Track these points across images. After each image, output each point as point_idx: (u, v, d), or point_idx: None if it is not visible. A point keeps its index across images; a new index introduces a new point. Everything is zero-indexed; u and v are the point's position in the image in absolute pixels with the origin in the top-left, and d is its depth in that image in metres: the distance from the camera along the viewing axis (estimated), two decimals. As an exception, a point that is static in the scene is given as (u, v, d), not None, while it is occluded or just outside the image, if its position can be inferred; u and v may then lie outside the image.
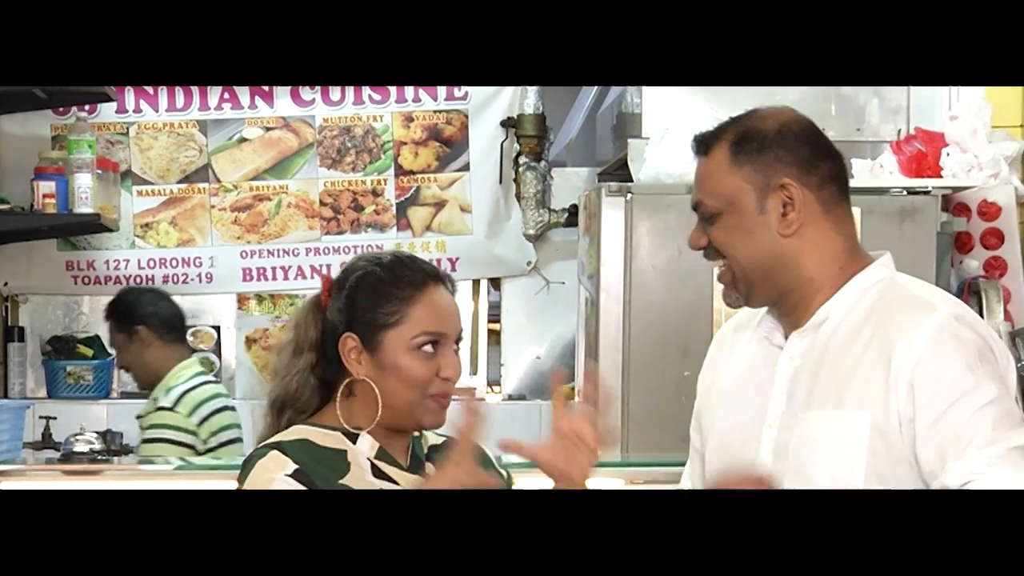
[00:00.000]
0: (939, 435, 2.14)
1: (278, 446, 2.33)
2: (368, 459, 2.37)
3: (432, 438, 2.49)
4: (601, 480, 3.44)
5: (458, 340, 2.40)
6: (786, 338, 2.36)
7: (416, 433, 2.45)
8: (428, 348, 2.35)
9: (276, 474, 2.28)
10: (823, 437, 2.24)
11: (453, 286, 2.43)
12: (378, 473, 2.36)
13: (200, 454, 4.53)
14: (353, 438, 2.37)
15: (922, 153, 4.54)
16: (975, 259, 4.56)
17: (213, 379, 4.97)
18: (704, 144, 2.39)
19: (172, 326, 4.79)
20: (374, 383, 2.34)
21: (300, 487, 2.27)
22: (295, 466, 2.29)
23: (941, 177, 4.48)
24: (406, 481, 2.37)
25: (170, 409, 4.56)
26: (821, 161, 2.33)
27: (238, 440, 4.68)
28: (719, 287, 4.37)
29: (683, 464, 2.63)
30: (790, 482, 2.26)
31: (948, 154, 4.53)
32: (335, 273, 2.46)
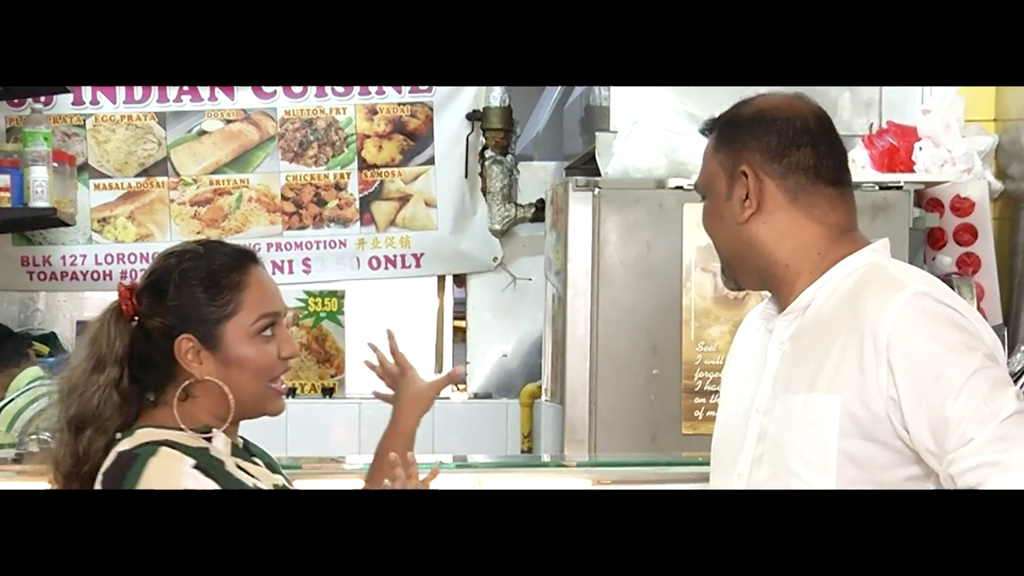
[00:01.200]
0: (928, 415, 2.12)
1: (161, 443, 2.23)
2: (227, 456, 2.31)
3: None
4: (568, 480, 3.39)
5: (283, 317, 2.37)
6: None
7: None
8: (267, 332, 2.31)
9: (182, 466, 2.20)
10: (796, 420, 2.23)
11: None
12: (240, 468, 2.30)
13: None
14: (206, 437, 2.29)
15: (894, 147, 4.53)
16: (948, 255, 4.57)
17: (36, 383, 4.81)
18: (709, 126, 2.39)
19: None
20: (221, 379, 2.28)
21: (209, 480, 2.20)
22: (192, 460, 2.22)
23: (914, 172, 4.50)
24: (262, 475, 2.33)
25: None
26: (791, 150, 2.29)
27: None
28: (688, 284, 4.38)
29: (653, 464, 2.60)
30: (768, 465, 2.25)
31: (921, 148, 4.53)
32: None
